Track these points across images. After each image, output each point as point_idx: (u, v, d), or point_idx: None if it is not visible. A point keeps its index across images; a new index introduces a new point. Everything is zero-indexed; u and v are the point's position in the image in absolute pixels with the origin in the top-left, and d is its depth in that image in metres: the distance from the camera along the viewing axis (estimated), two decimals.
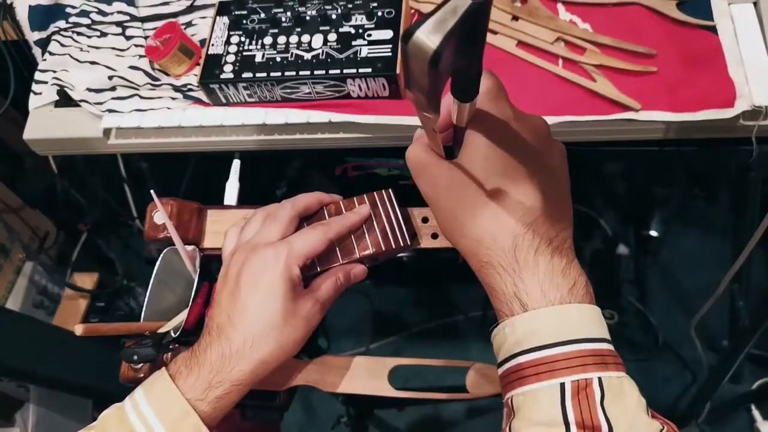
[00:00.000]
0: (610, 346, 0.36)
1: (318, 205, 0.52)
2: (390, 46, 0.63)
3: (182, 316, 0.57)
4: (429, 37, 0.26)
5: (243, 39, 0.67)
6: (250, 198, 0.70)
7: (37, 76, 0.76)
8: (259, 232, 0.48)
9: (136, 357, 0.53)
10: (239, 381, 0.43)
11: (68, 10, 0.79)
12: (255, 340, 0.44)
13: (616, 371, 0.35)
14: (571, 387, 0.34)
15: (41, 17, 0.79)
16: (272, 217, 0.48)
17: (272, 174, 1.03)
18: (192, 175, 0.93)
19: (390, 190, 0.54)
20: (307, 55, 0.65)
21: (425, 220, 0.60)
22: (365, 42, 0.64)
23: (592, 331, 0.35)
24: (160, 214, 0.59)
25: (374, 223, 0.52)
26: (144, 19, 0.77)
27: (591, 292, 0.37)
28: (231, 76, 0.65)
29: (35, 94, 0.75)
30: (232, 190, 0.70)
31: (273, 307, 0.44)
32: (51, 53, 0.77)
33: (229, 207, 0.68)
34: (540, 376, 0.34)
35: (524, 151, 0.37)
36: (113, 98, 0.72)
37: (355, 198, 0.54)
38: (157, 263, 0.58)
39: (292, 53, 0.65)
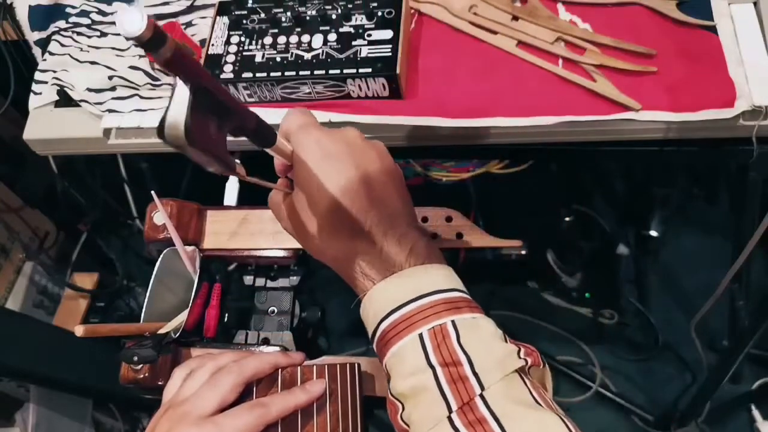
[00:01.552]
0: (464, 295, 0.40)
1: (271, 369, 0.50)
2: (390, 46, 0.63)
3: (182, 317, 0.57)
4: (174, 128, 0.30)
5: (243, 39, 0.67)
6: (249, 198, 0.70)
7: (37, 76, 0.76)
8: (196, 394, 0.46)
9: (136, 358, 0.53)
10: None
11: (68, 10, 0.79)
12: None
13: (470, 313, 0.39)
14: (428, 335, 0.37)
15: (41, 17, 0.79)
16: (215, 381, 0.47)
17: (272, 174, 1.03)
18: (192, 176, 0.93)
19: (357, 364, 0.51)
20: (307, 55, 0.65)
21: (425, 219, 0.60)
22: (365, 42, 0.64)
23: (440, 284, 0.39)
24: (160, 215, 0.59)
25: (327, 402, 0.48)
26: None
27: (435, 253, 0.41)
28: (231, 76, 0.65)
29: (35, 94, 0.75)
30: (232, 191, 0.70)
31: None
32: (51, 53, 0.77)
33: (229, 207, 0.68)
34: (401, 334, 0.38)
35: (336, 159, 0.41)
36: (113, 98, 0.72)
37: (315, 365, 0.50)
38: (157, 264, 0.58)
39: (292, 53, 0.65)
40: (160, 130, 0.30)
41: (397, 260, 0.40)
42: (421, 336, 0.37)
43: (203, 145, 0.31)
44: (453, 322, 0.37)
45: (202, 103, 0.30)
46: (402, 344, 0.38)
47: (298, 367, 0.50)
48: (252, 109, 0.70)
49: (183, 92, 0.30)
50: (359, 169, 0.41)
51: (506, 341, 0.38)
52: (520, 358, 0.37)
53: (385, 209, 0.41)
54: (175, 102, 0.30)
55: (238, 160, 0.42)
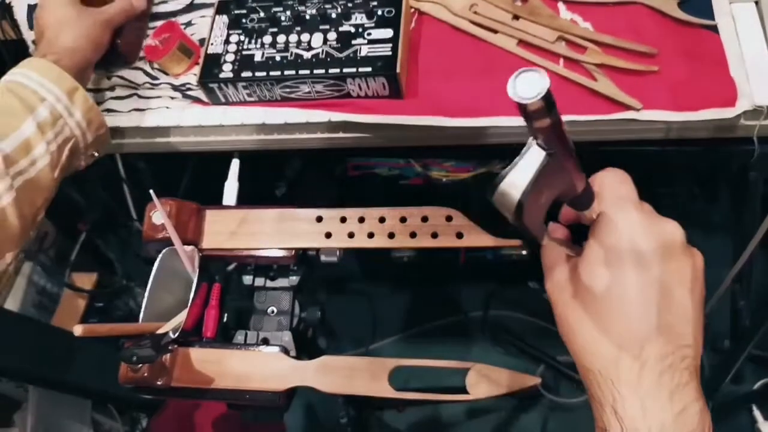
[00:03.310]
0: None
1: None
2: (390, 45, 0.63)
3: (181, 317, 0.57)
4: (508, 194, 0.27)
5: (242, 38, 0.67)
6: (249, 198, 0.70)
7: None
8: None
9: (135, 357, 0.53)
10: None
11: None
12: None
13: None
14: None
15: None
16: None
17: (271, 174, 1.03)
18: (191, 175, 0.92)
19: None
20: (307, 54, 0.65)
21: (425, 219, 0.60)
22: (365, 41, 0.64)
23: None
24: (158, 214, 0.59)
25: None
26: None
27: (706, 424, 0.35)
28: (230, 75, 0.65)
29: None
30: (231, 190, 0.70)
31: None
32: None
33: (228, 207, 0.68)
34: None
35: (642, 260, 0.35)
36: (112, 98, 0.72)
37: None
38: (156, 264, 0.58)
39: (291, 52, 0.65)
40: (491, 189, 0.27)
41: (662, 418, 0.33)
42: None
43: (527, 217, 0.28)
44: None
45: (548, 172, 0.28)
46: None
47: None
48: (251, 108, 0.70)
49: (534, 158, 0.27)
50: (664, 284, 0.35)
51: None
52: None
53: (670, 344, 0.34)
54: (520, 167, 0.27)
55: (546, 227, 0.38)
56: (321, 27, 0.66)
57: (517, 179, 0.27)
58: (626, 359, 0.34)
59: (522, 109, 0.25)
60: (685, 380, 0.34)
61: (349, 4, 0.66)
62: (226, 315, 0.62)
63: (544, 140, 0.27)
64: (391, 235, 0.59)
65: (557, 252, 0.39)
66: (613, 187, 0.37)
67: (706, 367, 1.07)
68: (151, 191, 0.58)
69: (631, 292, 0.35)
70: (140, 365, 0.55)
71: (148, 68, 0.73)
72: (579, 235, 0.39)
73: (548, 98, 0.25)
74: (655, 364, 0.34)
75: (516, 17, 0.66)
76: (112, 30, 0.67)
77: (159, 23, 0.74)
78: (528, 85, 0.24)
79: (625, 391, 0.34)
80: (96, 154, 0.66)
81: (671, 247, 0.36)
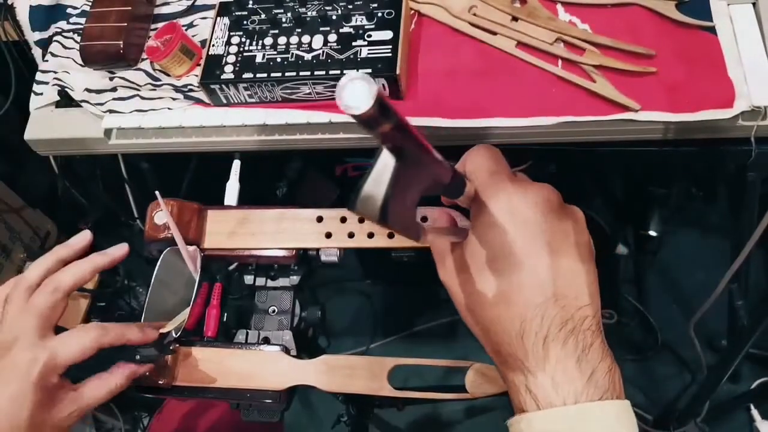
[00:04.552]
0: None
1: (92, 272, 0.49)
2: (390, 46, 0.63)
3: (183, 316, 0.58)
4: (369, 203, 0.27)
5: (243, 39, 0.68)
6: (250, 198, 0.71)
7: (39, 76, 0.76)
8: (14, 320, 0.45)
9: (137, 357, 0.53)
10: None
11: (69, 10, 0.80)
12: None
13: None
14: None
15: (42, 17, 0.79)
16: (31, 307, 0.45)
17: (272, 174, 1.03)
18: (192, 176, 0.93)
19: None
20: (308, 56, 0.65)
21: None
22: (365, 42, 0.64)
23: (614, 430, 0.33)
24: (161, 214, 0.59)
25: None
26: None
27: (616, 380, 0.34)
28: (231, 76, 0.66)
29: (36, 94, 0.75)
30: (232, 191, 0.70)
31: (19, 413, 0.43)
32: (53, 54, 0.77)
33: (230, 207, 0.68)
34: None
35: (525, 228, 0.35)
36: (114, 99, 0.72)
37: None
38: (158, 263, 0.58)
39: (292, 54, 0.66)
40: (353, 200, 0.27)
41: (573, 387, 0.33)
42: None
43: (394, 220, 0.27)
44: None
45: (404, 173, 0.27)
46: None
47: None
48: (252, 109, 0.71)
49: (386, 163, 0.27)
50: (551, 251, 0.34)
51: None
52: None
53: (568, 309, 0.34)
54: (374, 174, 0.27)
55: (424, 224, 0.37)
56: (321, 29, 0.66)
57: (373, 189, 0.26)
58: (530, 335, 0.34)
59: (357, 120, 0.23)
60: (589, 342, 0.34)
61: (350, 6, 0.66)
62: (227, 314, 0.62)
63: (392, 143, 0.26)
64: (391, 235, 0.60)
65: (442, 241, 0.39)
66: (484, 165, 0.36)
67: (704, 367, 1.07)
68: (157, 192, 0.58)
69: (522, 272, 0.34)
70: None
71: (149, 69, 0.73)
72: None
73: (381, 103, 0.23)
74: (558, 333, 0.33)
75: (515, 19, 0.66)
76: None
77: (160, 25, 0.74)
78: (357, 94, 0.23)
79: (534, 368, 0.34)
80: None
81: (550, 210, 0.35)
